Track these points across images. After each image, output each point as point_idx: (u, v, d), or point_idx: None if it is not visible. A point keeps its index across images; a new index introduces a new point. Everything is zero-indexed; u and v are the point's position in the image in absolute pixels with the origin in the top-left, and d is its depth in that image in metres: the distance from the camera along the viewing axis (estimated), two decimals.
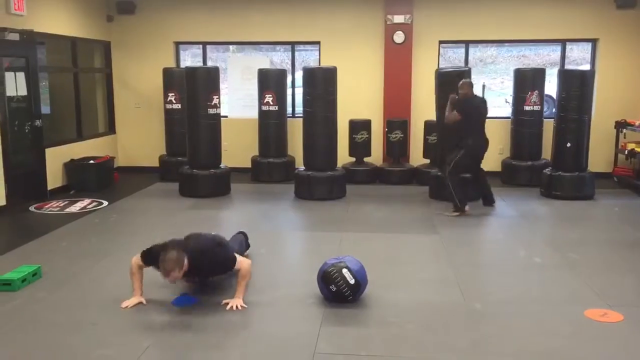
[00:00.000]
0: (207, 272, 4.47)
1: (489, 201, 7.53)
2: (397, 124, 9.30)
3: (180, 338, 3.90)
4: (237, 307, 4.32)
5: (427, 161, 9.30)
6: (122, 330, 4.03)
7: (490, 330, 4.03)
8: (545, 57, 13.24)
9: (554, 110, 9.99)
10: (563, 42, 9.82)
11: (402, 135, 9.29)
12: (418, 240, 6.21)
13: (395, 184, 9.07)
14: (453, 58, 11.70)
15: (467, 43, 9.96)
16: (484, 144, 7.36)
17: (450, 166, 7.14)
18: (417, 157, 9.54)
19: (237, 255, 4.44)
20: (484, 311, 4.33)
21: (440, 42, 9.77)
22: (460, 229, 6.72)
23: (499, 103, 14.06)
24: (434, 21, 9.57)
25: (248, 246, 5.56)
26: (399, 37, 9.49)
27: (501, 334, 3.97)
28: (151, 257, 4.29)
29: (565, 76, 8.15)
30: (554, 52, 12.00)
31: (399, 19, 9.46)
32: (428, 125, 9.21)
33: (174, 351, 3.73)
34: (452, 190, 7.11)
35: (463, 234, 6.60)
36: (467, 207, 7.13)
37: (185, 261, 4.10)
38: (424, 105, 9.66)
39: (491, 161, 9.50)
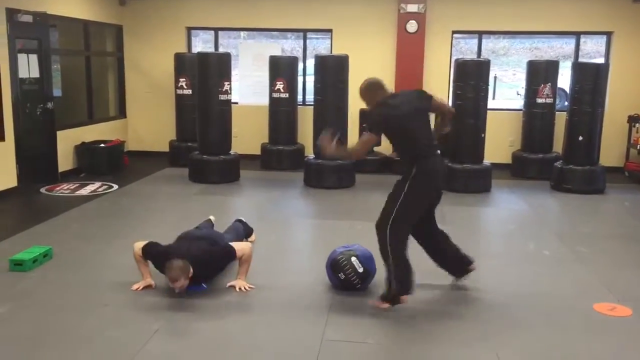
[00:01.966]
0: (212, 273, 4.52)
1: (461, 267, 4.54)
2: None
3: (189, 322, 3.93)
4: (244, 288, 4.36)
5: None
6: (131, 312, 4.06)
7: (498, 322, 4.02)
8: (558, 50, 13.15)
9: (565, 103, 9.93)
10: (577, 35, 9.73)
11: None
12: None
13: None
14: (465, 49, 11.63)
15: (480, 34, 9.89)
16: (440, 166, 4.36)
17: (389, 221, 4.06)
18: None
19: (234, 245, 4.47)
20: (493, 302, 4.33)
21: (454, 32, 9.70)
22: (469, 221, 6.72)
23: (511, 95, 14.01)
24: (447, 11, 9.50)
25: (250, 231, 5.56)
26: (411, 26, 9.43)
27: (509, 325, 3.96)
28: (151, 254, 4.35)
29: (579, 69, 8.09)
30: (567, 45, 11.90)
31: (412, 7, 9.39)
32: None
33: (183, 335, 3.76)
34: (391, 265, 4.07)
35: (472, 225, 6.60)
36: (404, 298, 4.13)
37: (191, 270, 4.14)
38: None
39: (501, 153, 9.50)
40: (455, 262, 4.52)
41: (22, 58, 7.51)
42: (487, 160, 8.23)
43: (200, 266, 4.23)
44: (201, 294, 4.33)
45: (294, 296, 4.38)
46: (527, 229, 6.42)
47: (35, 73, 7.75)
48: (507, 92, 14.50)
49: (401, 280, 4.05)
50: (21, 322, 3.87)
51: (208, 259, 4.35)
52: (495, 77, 13.69)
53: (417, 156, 4.09)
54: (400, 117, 4.10)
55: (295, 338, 3.74)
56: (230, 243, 4.53)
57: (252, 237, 5.60)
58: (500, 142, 9.51)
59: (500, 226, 6.78)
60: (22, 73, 7.52)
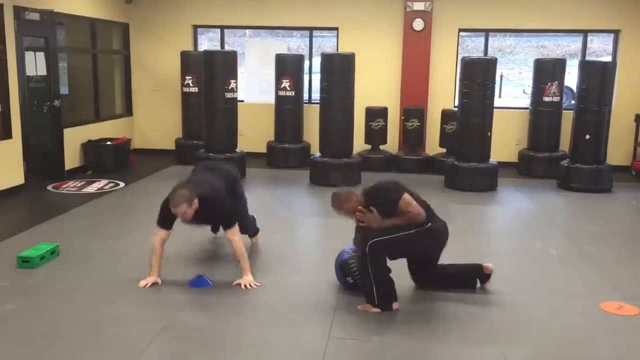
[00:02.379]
0: (209, 220, 4.66)
1: (475, 276, 4.51)
2: (414, 112, 9.25)
3: (196, 319, 3.94)
4: (249, 285, 4.38)
5: (444, 150, 9.26)
6: (138, 309, 4.07)
7: (504, 320, 4.02)
8: (565, 48, 13.08)
9: (572, 101, 9.89)
10: (585, 33, 9.69)
11: (418, 124, 9.25)
12: None
13: (411, 172, 9.01)
14: (471, 47, 11.60)
15: (487, 32, 9.86)
16: (446, 230, 4.31)
17: (379, 238, 4.03)
18: (433, 145, 9.49)
19: (237, 225, 4.46)
20: (499, 301, 4.32)
21: (460, 30, 9.68)
22: (475, 219, 6.71)
23: (517, 93, 13.95)
24: (454, 9, 9.48)
25: (256, 231, 5.50)
26: (418, 24, 9.42)
27: (516, 324, 3.96)
28: (164, 216, 4.41)
29: (587, 67, 8.06)
30: (574, 43, 11.84)
31: (418, 6, 9.38)
32: (445, 114, 9.17)
33: (189, 332, 3.76)
34: (371, 280, 4.04)
35: (478, 224, 6.59)
36: (395, 304, 4.09)
37: (196, 201, 4.22)
38: (441, 94, 9.62)
39: (508, 152, 9.48)
40: (468, 277, 4.49)
41: (29, 56, 7.54)
42: (494, 158, 8.21)
43: (206, 208, 4.27)
44: (207, 291, 4.34)
45: (301, 294, 4.38)
46: (534, 227, 6.40)
47: (42, 71, 7.78)
48: (513, 91, 14.45)
49: (381, 297, 4.04)
50: (28, 319, 3.88)
51: (217, 209, 4.39)
52: (501, 76, 13.63)
53: (429, 220, 4.14)
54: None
55: (301, 335, 3.74)
56: (237, 222, 4.49)
57: (261, 238, 5.55)
58: (506, 140, 9.49)
59: (506, 225, 6.76)
60: (30, 71, 7.55)
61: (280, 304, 4.20)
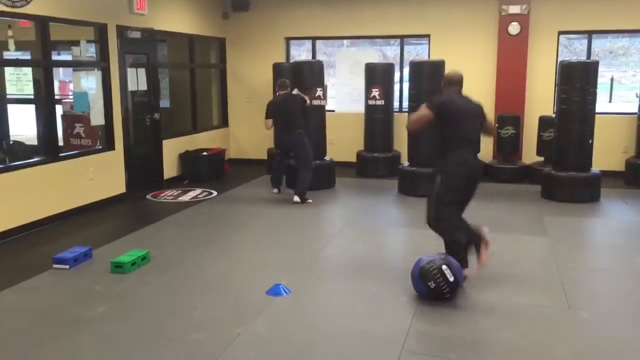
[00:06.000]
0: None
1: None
2: (509, 119, 8.87)
3: (270, 328, 3.96)
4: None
5: (541, 159, 8.80)
6: (217, 316, 4.16)
7: (596, 341, 3.72)
8: None
9: None
10: None
11: (514, 131, 8.85)
12: (525, 241, 5.88)
13: (506, 182, 8.64)
14: (579, 50, 10.97)
15: (590, 33, 9.28)
16: (474, 160, 4.73)
17: (436, 209, 4.64)
18: (530, 154, 9.06)
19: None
20: (591, 321, 4.02)
21: (560, 32, 9.19)
22: (573, 232, 6.31)
23: (630, 97, 13.02)
24: (553, 10, 9.01)
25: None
26: (514, 28, 9.05)
27: (609, 346, 3.66)
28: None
29: None
30: None
31: (514, 9, 9.01)
32: (543, 121, 8.72)
33: (263, 340, 3.79)
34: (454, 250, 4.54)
35: (576, 237, 6.19)
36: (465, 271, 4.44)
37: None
38: (539, 100, 9.17)
39: (614, 160, 8.85)
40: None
41: (131, 72, 8.00)
42: (597, 167, 7.69)
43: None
44: (284, 300, 4.37)
45: (378, 304, 4.30)
46: (638, 242, 5.91)
47: (143, 86, 8.22)
48: (626, 94, 13.51)
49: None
50: (116, 322, 4.08)
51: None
52: (612, 79, 12.80)
53: (456, 143, 4.56)
54: (459, 107, 4.61)
55: (375, 346, 3.66)
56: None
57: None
58: (612, 148, 8.87)
59: (607, 238, 6.29)
60: (132, 86, 8.01)
61: (356, 314, 4.15)
